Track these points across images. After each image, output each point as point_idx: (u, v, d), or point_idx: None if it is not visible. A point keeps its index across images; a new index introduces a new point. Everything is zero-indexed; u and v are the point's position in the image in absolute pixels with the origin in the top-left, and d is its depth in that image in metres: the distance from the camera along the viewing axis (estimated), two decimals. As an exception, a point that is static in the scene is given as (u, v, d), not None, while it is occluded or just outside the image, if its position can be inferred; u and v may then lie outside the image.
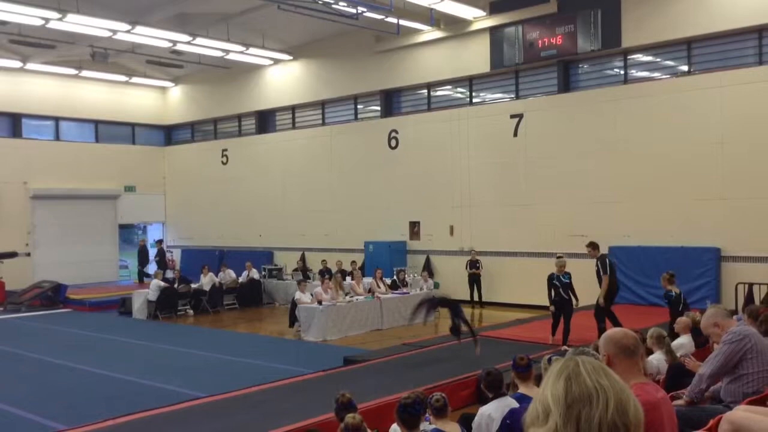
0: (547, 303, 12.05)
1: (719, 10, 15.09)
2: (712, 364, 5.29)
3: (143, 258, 24.41)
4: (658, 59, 16.71)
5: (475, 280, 18.38)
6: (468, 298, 18.44)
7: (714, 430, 4.20)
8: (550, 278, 11.97)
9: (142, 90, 27.23)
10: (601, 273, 11.78)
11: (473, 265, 18.37)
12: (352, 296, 15.72)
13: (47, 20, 17.37)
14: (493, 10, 18.21)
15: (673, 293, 11.27)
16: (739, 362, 5.19)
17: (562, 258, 12.30)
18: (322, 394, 7.92)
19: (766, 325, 6.36)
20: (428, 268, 19.58)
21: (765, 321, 6.49)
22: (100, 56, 21.12)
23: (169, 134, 28.65)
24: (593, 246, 12.19)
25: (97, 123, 26.34)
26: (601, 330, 11.10)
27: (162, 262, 23.07)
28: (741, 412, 4.17)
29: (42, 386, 10.83)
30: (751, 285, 13.74)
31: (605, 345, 3.34)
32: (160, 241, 25.26)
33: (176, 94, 27.76)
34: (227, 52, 21.61)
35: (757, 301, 12.58)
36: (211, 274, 19.48)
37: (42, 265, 23.57)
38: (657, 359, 7.22)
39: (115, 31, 18.83)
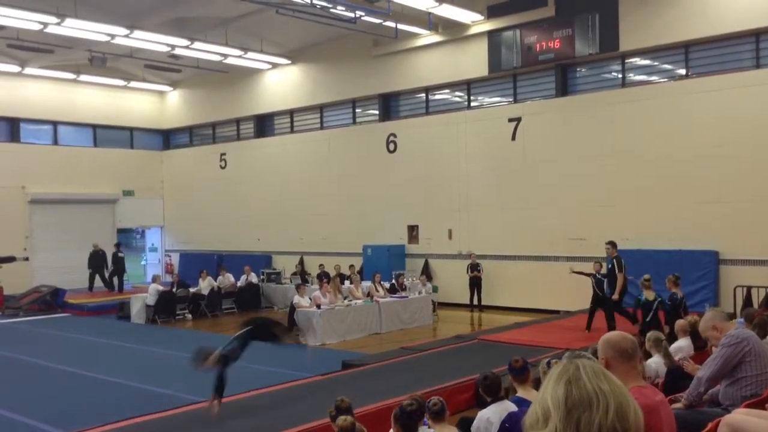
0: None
1: (716, 14, 15.12)
2: (711, 367, 5.29)
3: (94, 263, 22.10)
4: (656, 63, 16.74)
5: (475, 283, 18.37)
6: (468, 301, 18.47)
7: (713, 433, 4.20)
8: (645, 303, 11.29)
9: (141, 94, 27.22)
10: (617, 271, 12.48)
11: (474, 268, 18.36)
12: (350, 300, 15.70)
13: (45, 25, 17.38)
14: (491, 14, 18.24)
15: (678, 296, 11.27)
16: (738, 365, 5.18)
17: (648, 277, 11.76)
18: (320, 398, 7.91)
19: (761, 328, 6.36)
20: (427, 272, 19.58)
21: (759, 324, 6.50)
22: (98, 61, 21.10)
23: (168, 138, 28.63)
24: (613, 245, 12.99)
25: (95, 127, 26.32)
26: (611, 327, 11.22)
27: (117, 269, 21.88)
28: (739, 415, 4.17)
29: (40, 391, 10.80)
30: (749, 288, 13.75)
31: (603, 348, 3.34)
32: (118, 245, 23.00)
33: (174, 98, 27.75)
34: (225, 56, 21.61)
35: (755, 304, 12.59)
36: (209, 278, 19.48)
37: (40, 269, 23.52)
38: (655, 362, 7.24)
39: (113, 36, 18.84)
